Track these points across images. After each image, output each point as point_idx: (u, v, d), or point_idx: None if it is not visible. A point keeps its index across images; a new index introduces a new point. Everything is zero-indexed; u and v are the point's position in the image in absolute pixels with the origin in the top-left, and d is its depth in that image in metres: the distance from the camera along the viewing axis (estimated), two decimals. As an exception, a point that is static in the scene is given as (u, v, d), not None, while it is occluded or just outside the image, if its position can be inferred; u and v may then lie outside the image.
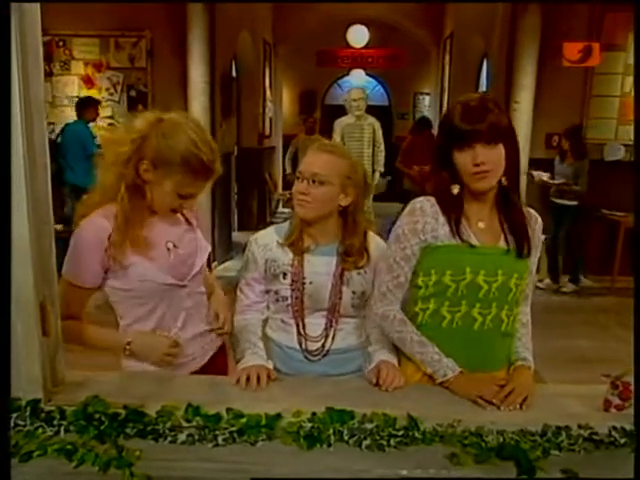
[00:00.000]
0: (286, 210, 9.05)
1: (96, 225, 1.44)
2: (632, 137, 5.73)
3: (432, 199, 1.48)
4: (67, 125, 5.59)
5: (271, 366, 1.53)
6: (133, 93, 6.10)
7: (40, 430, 1.23)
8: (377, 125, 5.21)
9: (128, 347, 1.49)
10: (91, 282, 1.50)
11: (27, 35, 1.20)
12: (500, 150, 1.39)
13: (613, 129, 5.89)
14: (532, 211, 1.56)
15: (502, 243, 1.48)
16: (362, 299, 1.66)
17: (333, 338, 1.67)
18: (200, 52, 5.88)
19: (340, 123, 5.13)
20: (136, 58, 5.96)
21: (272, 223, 1.93)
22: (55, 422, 1.25)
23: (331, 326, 1.67)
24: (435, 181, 1.50)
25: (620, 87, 5.83)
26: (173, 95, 5.63)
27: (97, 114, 5.69)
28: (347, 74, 11.93)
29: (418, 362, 1.50)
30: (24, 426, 1.23)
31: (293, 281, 1.62)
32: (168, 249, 1.52)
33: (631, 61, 5.72)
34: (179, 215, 1.61)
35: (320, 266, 1.63)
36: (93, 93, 5.99)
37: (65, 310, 1.45)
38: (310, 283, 1.62)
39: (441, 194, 1.47)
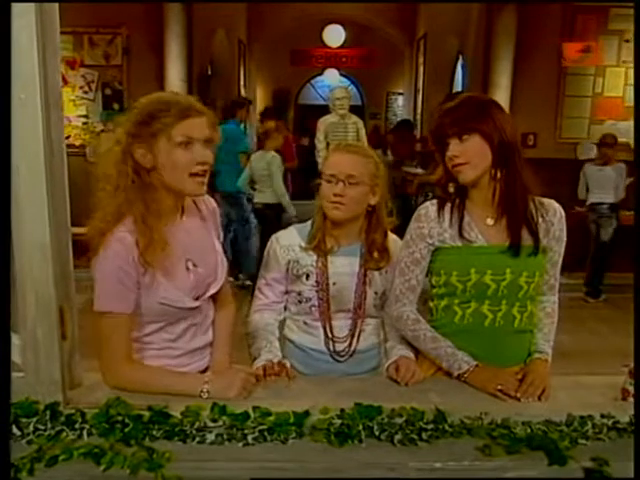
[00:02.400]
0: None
1: (123, 242, 1.31)
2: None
3: (437, 203, 1.52)
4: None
5: (288, 364, 1.52)
6: (108, 91, 5.99)
7: (64, 434, 1.20)
8: (360, 124, 5.25)
9: (204, 393, 1.34)
10: (134, 305, 1.36)
11: (47, 31, 1.19)
12: (474, 142, 1.40)
13: (585, 128, 6.05)
14: (553, 202, 1.53)
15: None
16: (382, 299, 1.68)
17: (358, 338, 1.68)
18: (177, 50, 5.83)
19: (324, 122, 5.13)
20: (112, 56, 5.86)
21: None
22: (77, 425, 1.22)
23: (356, 326, 1.68)
24: (440, 184, 1.56)
25: (592, 88, 5.99)
26: (149, 93, 5.53)
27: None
28: (321, 74, 11.94)
29: (434, 359, 1.51)
30: (45, 430, 1.21)
31: (317, 282, 1.63)
32: (187, 268, 1.43)
33: (602, 62, 5.89)
34: (197, 218, 1.50)
35: (343, 266, 1.64)
36: (66, 91, 5.87)
37: (116, 349, 1.34)
38: (334, 284, 1.63)
39: (443, 195, 1.53)
